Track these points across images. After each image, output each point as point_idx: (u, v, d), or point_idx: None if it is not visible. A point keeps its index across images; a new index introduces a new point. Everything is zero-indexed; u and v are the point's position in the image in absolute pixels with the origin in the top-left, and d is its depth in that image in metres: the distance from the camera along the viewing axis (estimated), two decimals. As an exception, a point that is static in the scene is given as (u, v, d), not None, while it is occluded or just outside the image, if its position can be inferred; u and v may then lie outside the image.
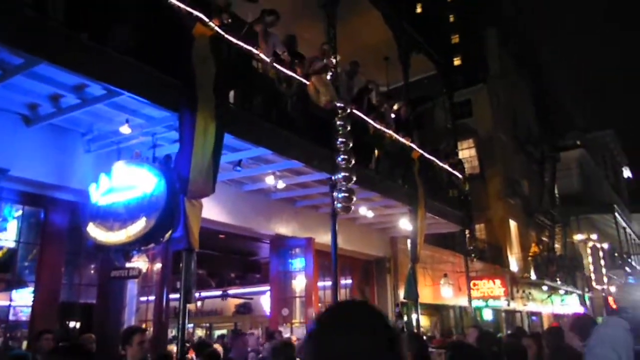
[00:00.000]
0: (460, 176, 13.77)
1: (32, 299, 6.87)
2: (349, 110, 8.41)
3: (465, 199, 13.70)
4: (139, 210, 5.92)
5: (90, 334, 6.51)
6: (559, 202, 28.64)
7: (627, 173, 48.13)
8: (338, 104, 8.19)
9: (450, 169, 13.25)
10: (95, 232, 6.28)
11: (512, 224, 23.02)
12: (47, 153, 6.72)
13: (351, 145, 8.15)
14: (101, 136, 7.02)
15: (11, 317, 6.82)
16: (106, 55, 5.26)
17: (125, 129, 6.36)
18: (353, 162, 8.14)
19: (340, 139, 8.01)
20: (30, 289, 6.94)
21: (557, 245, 26.20)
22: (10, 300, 6.82)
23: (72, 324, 7.88)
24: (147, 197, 5.96)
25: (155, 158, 6.60)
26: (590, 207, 30.89)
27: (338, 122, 8.06)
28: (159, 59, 5.72)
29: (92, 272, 7.98)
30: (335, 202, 8.00)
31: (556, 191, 28.72)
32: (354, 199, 8.13)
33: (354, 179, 8.12)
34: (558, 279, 22.95)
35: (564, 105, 36.66)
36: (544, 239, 25.41)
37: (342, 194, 7.92)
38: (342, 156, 7.96)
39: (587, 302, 26.92)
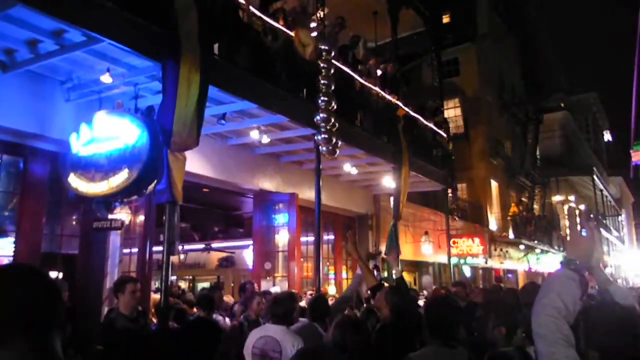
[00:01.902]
0: (444, 135, 13.81)
1: (13, 248, 6.83)
2: (333, 62, 8.26)
3: (449, 158, 13.80)
4: (121, 161, 5.84)
5: (62, 280, 6.51)
6: (540, 164, 29.02)
7: (607, 136, 48.75)
8: (322, 47, 8.00)
9: (435, 128, 13.27)
10: (77, 182, 6.20)
11: (494, 184, 23.33)
12: (26, 101, 6.54)
13: (333, 88, 7.99)
14: (81, 85, 6.84)
15: (-8, 266, 6.78)
16: (85, -1, 5.06)
17: (106, 78, 6.20)
18: (334, 104, 7.98)
19: (322, 81, 7.86)
20: (11, 238, 6.88)
21: (535, 206, 26.71)
22: (-9, 249, 6.77)
23: (54, 275, 7.88)
24: (129, 148, 5.87)
25: (137, 109, 6.46)
26: (570, 169, 31.38)
27: (321, 64, 7.91)
28: (142, 6, 5.53)
29: (74, 223, 7.93)
30: (320, 147, 7.92)
31: (538, 153, 29.04)
32: (335, 141, 7.99)
33: (334, 122, 7.97)
34: (535, 239, 23.51)
35: (549, 66, 36.59)
36: (524, 199, 25.86)
37: (323, 136, 7.79)
38: (322, 98, 7.81)
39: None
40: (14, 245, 6.87)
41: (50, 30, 5.56)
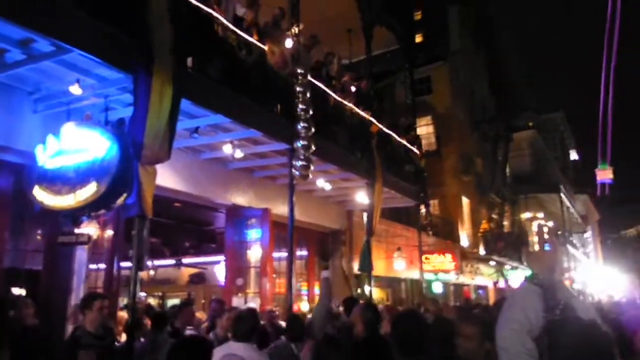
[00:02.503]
0: (417, 152, 13.96)
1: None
2: (308, 77, 8.30)
3: (421, 175, 13.93)
4: (90, 174, 5.69)
5: (26, 298, 6.28)
6: (510, 181, 29.58)
7: (574, 155, 50.12)
8: (298, 70, 8.06)
9: (408, 145, 13.40)
10: (42, 195, 6.01)
11: (465, 200, 23.63)
12: (-10, 112, 6.35)
13: (311, 113, 8.06)
14: (50, 96, 6.68)
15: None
16: (55, 7, 4.95)
17: (75, 89, 6.07)
18: (313, 130, 8.07)
19: (300, 106, 7.90)
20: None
21: (505, 223, 27.14)
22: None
23: (17, 291, 7.59)
24: (98, 161, 5.73)
25: (107, 121, 6.34)
26: (539, 186, 32.05)
27: (298, 89, 7.95)
28: (113, 16, 5.44)
29: (38, 237, 7.68)
30: (294, 170, 7.94)
31: (508, 170, 29.61)
32: (312, 167, 8.08)
33: (313, 148, 8.06)
34: (505, 255, 23.85)
35: (518, 85, 37.57)
36: (494, 216, 26.25)
37: (301, 162, 7.85)
38: (302, 124, 7.87)
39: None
40: (-26, 260, 6.61)
41: (18, 39, 5.42)
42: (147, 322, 7.24)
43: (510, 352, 1.99)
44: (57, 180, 5.93)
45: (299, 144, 7.83)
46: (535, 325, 2.02)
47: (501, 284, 24.12)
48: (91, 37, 5.29)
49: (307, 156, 7.83)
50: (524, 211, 30.89)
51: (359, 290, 12.88)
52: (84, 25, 5.19)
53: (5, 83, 6.41)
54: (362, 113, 10.87)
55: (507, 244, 24.73)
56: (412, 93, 15.78)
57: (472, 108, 25.92)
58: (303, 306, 12.11)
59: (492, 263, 22.86)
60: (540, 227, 31.02)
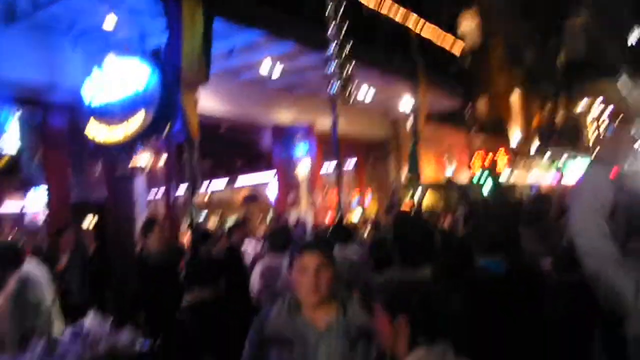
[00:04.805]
0: (461, 49, 13.36)
1: (45, 200, 7.06)
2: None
3: (467, 72, 13.42)
4: (136, 104, 5.83)
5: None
6: (564, 70, 28.06)
7: (633, 38, 46.57)
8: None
9: (451, 41, 12.82)
10: (94, 131, 6.25)
11: (515, 95, 22.76)
12: (34, 53, 6.54)
13: (347, 23, 7.75)
14: (86, 32, 6.77)
15: (27, 219, 7.05)
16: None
17: (109, 23, 6.09)
18: (351, 42, 7.79)
19: (335, 12, 7.59)
20: (40, 191, 7.10)
21: (560, 114, 26.11)
22: (24, 202, 7.01)
23: (87, 222, 8.14)
24: (142, 90, 5.83)
25: (145, 50, 6.38)
26: (595, 73, 30.28)
27: (331, 23, 7.59)
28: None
29: (99, 171, 8.09)
30: (334, 85, 7.80)
31: (561, 59, 28.01)
32: (352, 86, 7.86)
33: (350, 66, 7.79)
34: (561, 147, 23.15)
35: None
36: (548, 108, 25.25)
37: (339, 83, 7.63)
38: (337, 33, 7.57)
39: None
40: (45, 197, 7.10)
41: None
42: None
43: (586, 236, 2.01)
44: (106, 115, 6.12)
45: (333, 64, 7.55)
46: (608, 203, 2.01)
47: (552, 177, 23.65)
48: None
49: (346, 76, 7.60)
50: (581, 100, 29.48)
51: (409, 197, 12.99)
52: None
53: (43, 24, 6.51)
54: (402, 11, 10.35)
55: (563, 135, 23.95)
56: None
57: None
58: (354, 216, 12.39)
59: (546, 157, 22.32)
60: (599, 113, 29.64)
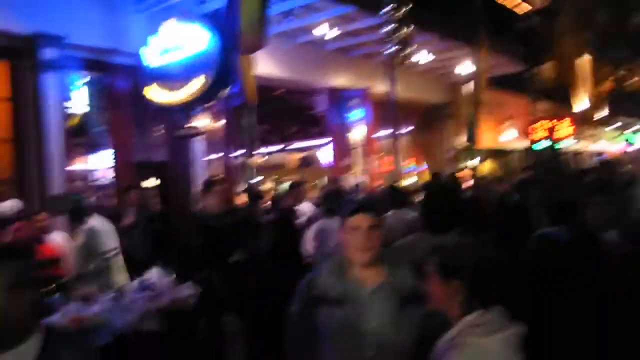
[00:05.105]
0: (526, 8, 12.69)
1: (112, 159, 7.41)
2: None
3: (532, 35, 12.77)
4: (195, 68, 5.96)
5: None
6: (638, 34, 26.13)
7: None
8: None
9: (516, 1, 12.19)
10: (155, 93, 6.45)
11: (584, 59, 21.46)
12: (99, 17, 6.74)
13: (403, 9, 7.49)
14: (149, -4, 6.90)
15: (94, 177, 7.44)
16: None
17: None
18: (409, 4, 7.55)
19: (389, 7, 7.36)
20: (108, 151, 7.44)
21: (636, 78, 24.43)
22: (92, 162, 7.38)
23: (151, 181, 8.45)
24: (201, 54, 5.95)
25: (204, 15, 6.46)
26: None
27: None
28: None
29: (161, 132, 8.35)
30: (391, 48, 7.62)
31: (636, 20, 26.06)
32: (409, 50, 7.65)
33: (407, 29, 7.56)
34: (635, 114, 21.82)
35: None
36: (621, 72, 23.71)
37: (396, 47, 7.44)
38: (391, 26, 7.33)
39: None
40: (112, 157, 7.45)
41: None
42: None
43: None
44: (167, 77, 6.29)
45: (391, 26, 7.34)
46: None
47: (621, 147, 22.42)
48: None
49: (403, 38, 7.39)
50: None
51: (467, 163, 12.70)
52: None
53: (106, -13, 6.69)
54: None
55: (634, 103, 22.51)
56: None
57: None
58: (409, 182, 12.25)
59: (616, 125, 21.12)
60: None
